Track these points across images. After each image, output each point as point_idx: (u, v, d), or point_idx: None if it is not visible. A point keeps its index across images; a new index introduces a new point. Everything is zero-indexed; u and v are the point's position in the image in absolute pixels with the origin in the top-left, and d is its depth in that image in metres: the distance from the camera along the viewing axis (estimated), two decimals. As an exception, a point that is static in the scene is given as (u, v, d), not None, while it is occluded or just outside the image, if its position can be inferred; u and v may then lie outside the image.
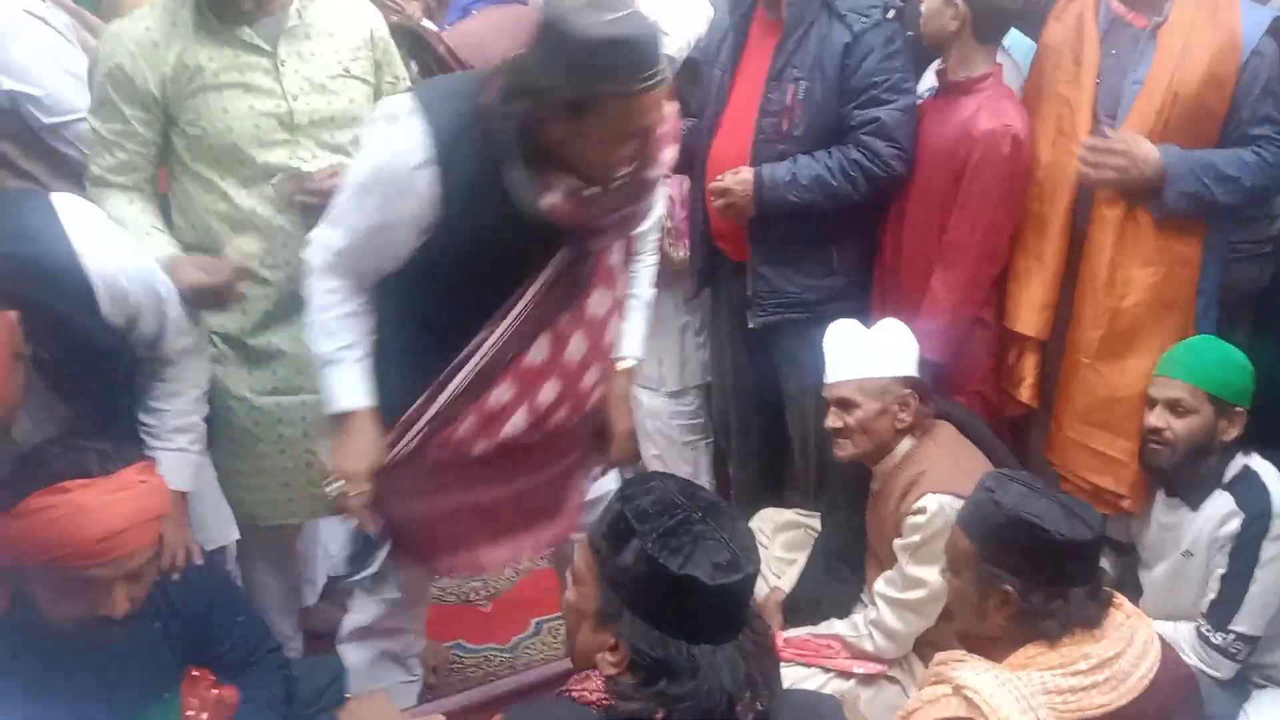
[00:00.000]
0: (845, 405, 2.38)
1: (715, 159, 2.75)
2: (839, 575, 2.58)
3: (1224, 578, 2.24)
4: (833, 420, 2.40)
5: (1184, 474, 2.32)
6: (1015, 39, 2.83)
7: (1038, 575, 1.62)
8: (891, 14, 2.59)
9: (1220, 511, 2.26)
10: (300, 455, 2.32)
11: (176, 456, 2.00)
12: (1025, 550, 1.63)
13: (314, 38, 2.25)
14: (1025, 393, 2.67)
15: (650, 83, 1.73)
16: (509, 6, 3.45)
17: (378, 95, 2.34)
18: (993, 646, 1.68)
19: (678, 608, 1.34)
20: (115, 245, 1.85)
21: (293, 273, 2.18)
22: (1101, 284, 2.52)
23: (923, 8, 2.61)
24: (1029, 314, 2.63)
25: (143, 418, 1.99)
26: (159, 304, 1.91)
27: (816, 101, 2.58)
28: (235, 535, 2.47)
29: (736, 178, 2.63)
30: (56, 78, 2.39)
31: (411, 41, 2.70)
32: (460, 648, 3.01)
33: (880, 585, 2.37)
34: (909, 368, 2.40)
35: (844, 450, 2.42)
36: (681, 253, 3.11)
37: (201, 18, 2.16)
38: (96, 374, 1.86)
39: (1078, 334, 2.56)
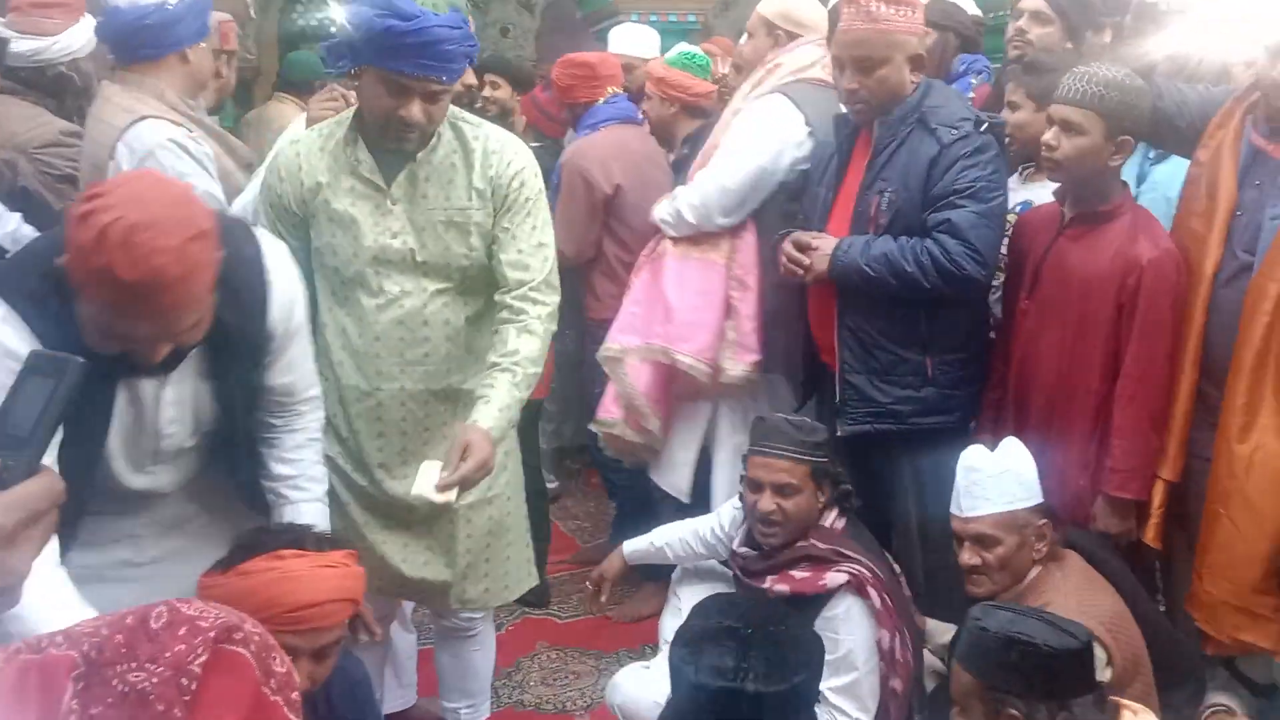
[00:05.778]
0: (984, 542, 2.30)
1: None
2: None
3: None
4: (969, 557, 2.32)
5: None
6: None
7: (1038, 691, 1.69)
8: (984, 127, 2.62)
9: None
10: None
11: (318, 507, 2.12)
12: (1021, 669, 1.70)
13: (431, 180, 2.28)
14: (1150, 532, 2.59)
15: None
16: (625, 128, 3.84)
17: (485, 239, 2.32)
18: None
19: (685, 697, 1.71)
20: (291, 272, 2.03)
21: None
22: (1235, 430, 2.41)
23: (1065, 150, 2.53)
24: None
25: (279, 469, 2.10)
26: (305, 340, 2.09)
27: (900, 210, 2.63)
28: None
29: (820, 241, 2.69)
30: None
31: None
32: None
33: None
34: (1039, 494, 2.35)
35: (980, 587, 2.32)
36: (739, 368, 3.12)
37: (337, 142, 2.27)
38: (243, 407, 2.01)
39: (1214, 482, 2.46)
